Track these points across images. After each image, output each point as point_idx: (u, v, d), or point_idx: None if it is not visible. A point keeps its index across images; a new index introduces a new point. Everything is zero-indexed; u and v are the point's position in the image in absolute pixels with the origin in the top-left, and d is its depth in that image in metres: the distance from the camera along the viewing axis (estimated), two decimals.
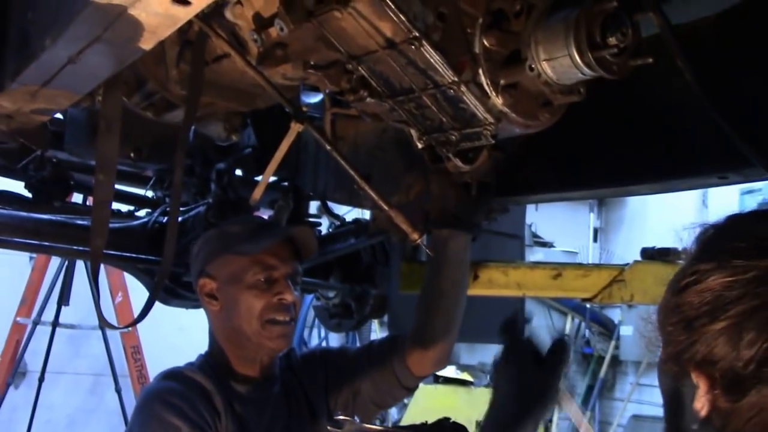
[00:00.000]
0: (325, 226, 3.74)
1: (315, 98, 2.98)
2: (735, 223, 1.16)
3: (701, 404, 1.06)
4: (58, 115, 2.99)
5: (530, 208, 8.11)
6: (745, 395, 1.01)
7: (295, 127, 1.66)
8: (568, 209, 8.81)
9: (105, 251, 1.88)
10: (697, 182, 1.63)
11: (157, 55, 2.14)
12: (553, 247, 8.81)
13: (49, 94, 1.44)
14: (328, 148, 1.73)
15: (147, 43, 1.12)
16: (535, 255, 8.24)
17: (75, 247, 2.69)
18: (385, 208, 1.68)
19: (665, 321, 1.12)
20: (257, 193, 1.74)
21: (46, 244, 2.72)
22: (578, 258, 8.97)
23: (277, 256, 2.19)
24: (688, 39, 1.65)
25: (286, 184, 3.18)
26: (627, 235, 8.67)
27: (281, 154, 1.65)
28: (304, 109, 1.75)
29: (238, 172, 3.50)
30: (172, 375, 2.19)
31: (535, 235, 8.49)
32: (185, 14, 1.01)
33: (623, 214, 8.85)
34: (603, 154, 1.82)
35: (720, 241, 1.12)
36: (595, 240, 9.22)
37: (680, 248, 2.28)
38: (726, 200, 6.62)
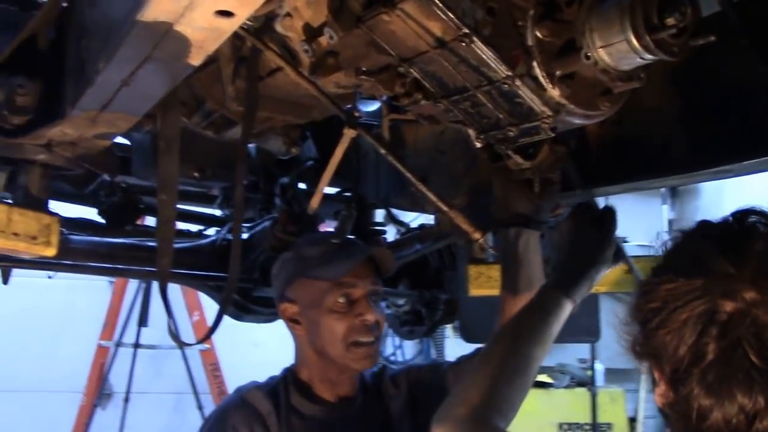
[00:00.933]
0: (390, 233, 3.73)
1: (373, 106, 2.98)
2: (687, 238, 1.37)
3: (657, 394, 1.28)
4: (125, 141, 3.08)
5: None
6: (678, 390, 1.21)
7: (348, 133, 1.65)
8: (640, 202, 8.55)
9: (174, 270, 1.92)
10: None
11: (213, 73, 2.18)
12: (626, 242, 8.59)
13: (108, 117, 1.47)
14: (383, 152, 1.71)
15: (196, 59, 1.13)
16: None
17: (147, 269, 2.75)
18: (445, 209, 1.65)
19: (631, 319, 1.34)
20: (314, 202, 1.74)
21: (120, 267, 2.80)
22: (653, 252, 8.73)
23: (356, 275, 2.18)
24: (752, 13, 1.58)
25: (348, 193, 3.18)
26: None
27: (336, 162, 1.65)
28: (357, 114, 1.73)
29: (302, 185, 3.52)
30: (232, 397, 2.24)
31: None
32: (230, 26, 1.01)
33: (698, 204, 8.56)
34: (672, 140, 1.75)
35: (670, 256, 1.37)
36: (669, 232, 8.96)
37: None
38: None
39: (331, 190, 3.73)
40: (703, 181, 1.73)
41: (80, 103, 1.42)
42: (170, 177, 1.66)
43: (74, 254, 2.74)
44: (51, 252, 1.74)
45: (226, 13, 0.97)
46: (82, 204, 3.23)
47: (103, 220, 3.17)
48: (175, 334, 1.85)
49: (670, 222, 9.06)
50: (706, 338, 1.19)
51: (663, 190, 8.47)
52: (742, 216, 1.34)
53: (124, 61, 1.16)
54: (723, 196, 7.90)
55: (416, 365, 2.50)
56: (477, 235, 1.64)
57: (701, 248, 1.28)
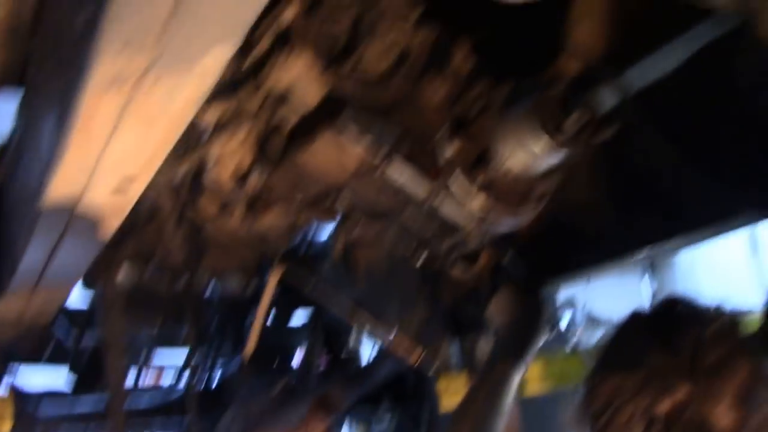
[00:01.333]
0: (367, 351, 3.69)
1: (325, 233, 3.02)
2: (622, 332, 1.40)
3: None
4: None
5: (581, 287, 7.94)
6: None
7: (275, 274, 1.67)
8: (618, 279, 8.59)
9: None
10: (698, 237, 1.58)
11: (159, 227, 2.21)
12: (611, 320, 8.52)
13: (44, 293, 1.48)
14: (310, 286, 1.72)
15: (108, 230, 1.15)
16: (596, 335, 7.97)
17: None
18: (381, 332, 1.65)
19: (579, 419, 1.33)
20: (249, 350, 1.73)
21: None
22: None
23: (307, 420, 2.18)
24: (653, 99, 1.65)
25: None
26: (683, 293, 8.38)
27: (266, 303, 1.66)
28: (279, 254, 1.76)
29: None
30: None
31: (590, 315, 8.24)
32: (132, 197, 1.04)
33: (676, 273, 8.61)
34: (603, 230, 1.79)
35: (610, 352, 1.38)
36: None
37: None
38: None
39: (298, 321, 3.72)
40: (641, 263, 1.75)
41: (13, 282, 1.43)
42: (116, 339, 1.66)
43: (44, 427, 2.68)
44: (5, 428, 1.70)
45: (125, 186, 0.99)
46: (52, 365, 3.18)
47: (73, 380, 3.11)
48: None
49: (654, 294, 9.05)
50: None
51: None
52: (670, 303, 1.36)
53: (41, 242, 1.18)
54: (698, 263, 7.97)
55: None
56: (415, 356, 1.63)
57: (635, 341, 1.31)
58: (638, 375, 1.23)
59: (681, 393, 1.20)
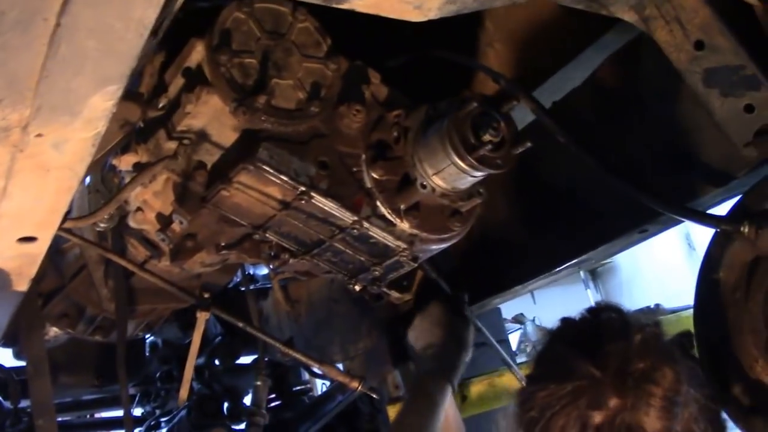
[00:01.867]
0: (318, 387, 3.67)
1: (266, 270, 2.99)
2: (552, 341, 1.43)
3: None
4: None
5: (528, 302, 8.03)
6: None
7: (202, 317, 1.64)
8: (564, 290, 8.71)
9: None
10: (621, 242, 1.61)
11: (87, 279, 2.16)
12: None
13: None
14: (240, 325, 1.70)
15: (20, 285, 1.12)
16: None
17: None
18: (315, 366, 1.63)
19: (517, 422, 1.34)
20: (183, 394, 1.69)
21: None
22: None
23: None
24: (567, 112, 1.69)
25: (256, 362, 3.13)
26: (629, 300, 8.56)
27: (196, 348, 1.63)
28: (207, 296, 1.73)
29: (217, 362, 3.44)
30: None
31: (540, 328, 8.28)
32: (39, 249, 1.01)
33: (619, 280, 8.77)
34: (531, 244, 1.82)
35: (540, 362, 1.41)
36: None
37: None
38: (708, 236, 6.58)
39: (248, 360, 3.66)
40: (571, 274, 1.79)
41: None
42: (45, 401, 1.60)
43: None
44: None
45: (28, 239, 0.97)
46: None
47: None
48: None
49: (599, 300, 9.20)
50: None
51: (582, 273, 8.66)
52: (596, 312, 1.39)
53: None
54: (639, 269, 8.13)
55: None
56: (354, 384, 1.62)
57: (565, 352, 1.32)
58: (568, 385, 1.25)
59: (610, 405, 1.22)
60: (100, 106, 0.73)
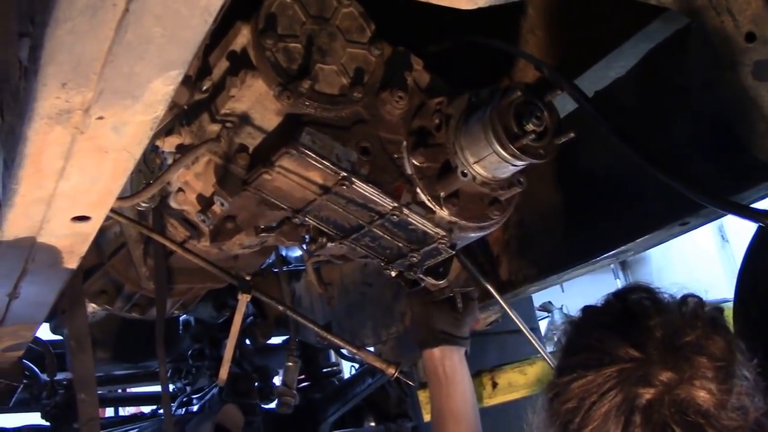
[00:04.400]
0: (347, 370, 3.70)
1: (299, 252, 3.01)
2: (579, 330, 1.38)
3: None
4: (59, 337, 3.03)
5: (556, 290, 8.00)
6: None
7: (243, 298, 1.66)
8: (594, 280, 8.67)
9: None
10: (662, 234, 1.60)
11: (126, 257, 2.19)
12: None
13: (9, 331, 1.46)
14: (281, 308, 1.71)
15: (71, 263, 1.14)
16: None
17: None
18: (353, 351, 1.64)
19: (548, 426, 1.29)
20: (223, 374, 1.72)
21: None
22: None
23: None
24: (610, 102, 1.67)
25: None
26: None
27: (237, 327, 1.65)
28: (248, 278, 1.75)
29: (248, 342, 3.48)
30: None
31: (567, 316, 8.23)
32: (91, 228, 1.03)
33: (649, 270, 8.69)
34: (569, 233, 1.81)
35: (569, 352, 1.34)
36: None
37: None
38: (744, 229, 6.51)
39: (279, 340, 3.71)
40: (608, 264, 1.79)
41: None
42: (86, 375, 1.64)
43: None
44: None
45: (82, 218, 0.99)
46: (25, 411, 3.14)
47: (48, 423, 3.08)
48: None
49: None
50: (632, 427, 1.18)
51: (612, 265, 8.61)
52: (624, 295, 1.35)
53: (2, 278, 1.17)
54: (670, 259, 8.05)
55: None
56: (391, 371, 1.63)
57: (598, 337, 1.28)
58: (608, 370, 1.21)
59: (661, 383, 1.18)
60: (161, 90, 0.74)
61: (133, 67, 0.70)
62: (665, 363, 1.19)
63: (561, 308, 7.89)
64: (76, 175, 0.87)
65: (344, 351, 3.45)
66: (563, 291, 7.96)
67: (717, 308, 1.32)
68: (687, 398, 1.17)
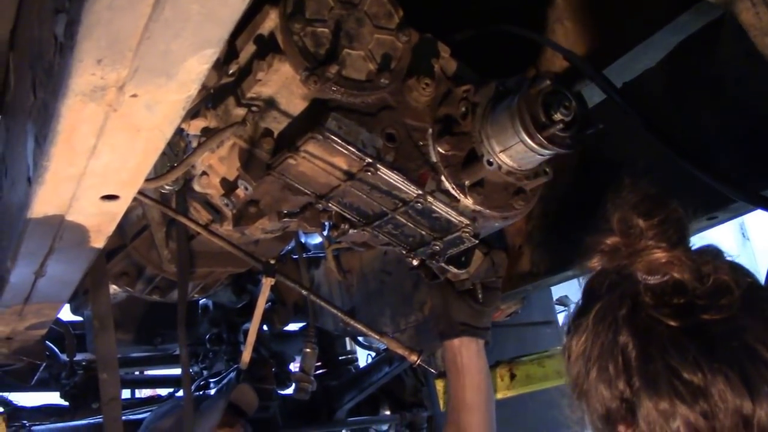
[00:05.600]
0: (362, 358, 3.70)
1: (318, 239, 3.01)
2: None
3: None
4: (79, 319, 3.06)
5: (573, 285, 7.94)
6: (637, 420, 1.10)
7: (267, 282, 1.66)
8: None
9: None
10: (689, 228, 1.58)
11: (148, 239, 2.20)
12: None
13: (34, 309, 1.47)
14: (304, 292, 1.71)
15: (98, 242, 1.15)
16: None
17: None
18: (376, 337, 1.64)
19: (571, 395, 1.25)
20: (246, 358, 1.72)
21: None
22: None
23: (223, 425, 2.17)
24: (639, 93, 1.65)
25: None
26: None
27: (260, 312, 1.65)
28: (273, 262, 1.75)
29: (265, 327, 3.49)
30: None
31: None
32: (119, 208, 1.03)
33: None
34: (591, 227, 1.79)
35: (576, 317, 1.29)
36: None
37: None
38: (765, 227, 6.46)
39: (297, 327, 3.72)
40: None
41: (2, 300, 1.42)
42: (109, 355, 1.65)
43: None
44: None
45: (111, 197, 0.99)
46: (44, 390, 3.17)
47: (67, 403, 3.11)
48: None
49: None
50: (620, 335, 1.13)
51: None
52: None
53: (29, 256, 1.17)
54: None
55: None
56: (413, 358, 1.63)
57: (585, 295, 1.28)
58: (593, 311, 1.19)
59: (603, 248, 1.19)
60: (196, 69, 0.74)
61: (169, 44, 0.69)
62: (610, 233, 1.17)
63: (577, 302, 7.85)
64: (108, 154, 0.87)
65: (361, 339, 3.47)
66: (580, 285, 7.92)
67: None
68: (647, 264, 1.12)
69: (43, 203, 0.98)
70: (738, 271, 1.16)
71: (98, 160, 0.88)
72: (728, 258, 1.19)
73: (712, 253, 1.17)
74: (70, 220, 1.03)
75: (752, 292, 1.13)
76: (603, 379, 1.14)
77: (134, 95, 0.76)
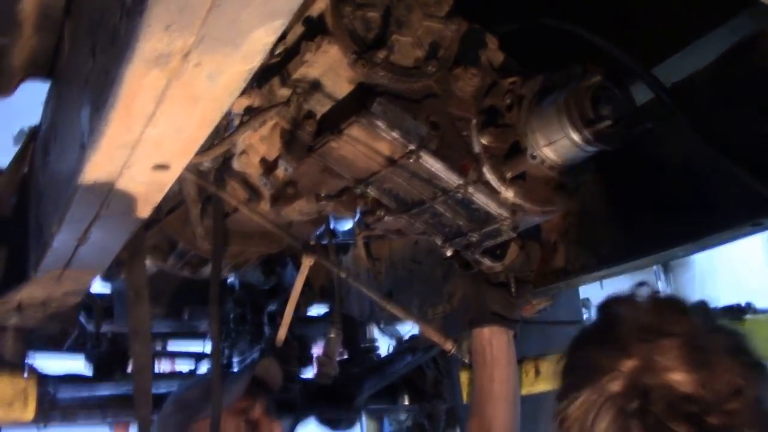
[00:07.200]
0: (385, 347, 3.70)
1: (347, 225, 3.02)
2: (572, 349, 1.36)
3: None
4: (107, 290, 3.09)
5: (596, 288, 7.87)
6: None
7: (307, 262, 1.66)
8: (634, 280, 8.55)
9: None
10: (731, 234, 1.56)
11: (183, 215, 2.22)
12: None
13: (72, 275, 1.49)
14: (342, 275, 1.72)
15: (144, 212, 1.15)
16: None
17: None
18: (414, 321, 1.64)
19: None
20: (281, 334, 1.73)
21: (110, 420, 2.76)
22: None
23: (246, 397, 2.17)
24: (687, 94, 1.63)
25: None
26: (701, 296, 8.27)
27: (297, 291, 1.66)
28: (312, 243, 1.75)
29: None
30: None
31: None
32: (169, 178, 1.04)
33: (692, 274, 8.52)
34: (633, 225, 1.77)
35: (565, 375, 1.33)
36: None
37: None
38: None
39: (320, 311, 3.73)
40: (668, 260, 1.75)
41: (42, 264, 1.43)
42: (142, 326, 1.66)
43: (63, 411, 2.70)
44: (29, 416, 1.72)
45: (162, 167, 1.00)
46: (71, 356, 3.21)
47: (91, 371, 3.14)
48: None
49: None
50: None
51: (654, 266, 8.47)
52: (602, 307, 1.36)
53: (75, 222, 1.18)
54: (715, 264, 7.89)
55: None
56: (448, 345, 1.62)
57: (583, 355, 1.29)
58: (597, 385, 1.21)
59: (622, 370, 1.18)
60: (262, 40, 0.74)
61: (239, 13, 0.69)
62: (627, 352, 1.18)
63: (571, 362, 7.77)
64: (164, 122, 0.88)
65: (384, 328, 3.47)
66: (602, 288, 7.86)
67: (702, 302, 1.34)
68: (661, 384, 1.15)
69: (95, 170, 0.99)
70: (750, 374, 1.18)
71: (154, 129, 0.89)
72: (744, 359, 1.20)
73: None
74: (119, 188, 1.04)
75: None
76: None
77: (198, 64, 0.76)
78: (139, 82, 0.79)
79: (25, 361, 1.99)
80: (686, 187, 1.64)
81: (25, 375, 1.80)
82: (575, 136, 1.42)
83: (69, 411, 2.70)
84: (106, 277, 2.59)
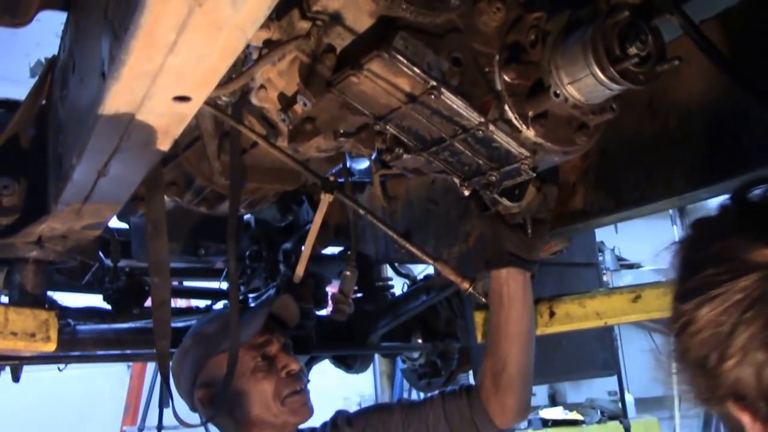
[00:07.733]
0: (398, 287, 3.73)
1: (363, 164, 3.00)
2: (698, 243, 1.10)
3: None
4: (125, 225, 3.11)
5: (611, 232, 7.89)
6: None
7: (326, 198, 1.66)
8: (650, 226, 8.51)
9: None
10: (755, 177, 1.53)
11: (200, 150, 2.21)
12: (641, 267, 8.50)
13: (92, 208, 1.49)
14: (362, 212, 1.71)
15: (164, 144, 1.15)
16: (624, 279, 7.96)
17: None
18: (430, 261, 1.64)
19: (680, 366, 1.06)
20: (299, 271, 1.73)
21: (129, 352, 2.80)
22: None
23: (265, 332, 2.18)
24: (717, 33, 1.59)
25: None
26: None
27: (316, 227, 1.65)
28: (332, 179, 1.74)
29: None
30: None
31: (620, 259, 8.22)
32: (190, 110, 1.03)
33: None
34: (653, 167, 1.75)
35: (690, 272, 1.05)
36: None
37: None
38: None
39: (335, 250, 3.74)
40: (690, 203, 1.73)
41: (62, 197, 1.44)
42: (161, 260, 1.67)
43: (82, 344, 2.75)
44: (51, 347, 1.74)
45: (183, 98, 0.98)
46: (88, 292, 3.24)
47: (109, 306, 3.18)
48: (178, 417, 1.84)
49: None
50: None
51: (671, 210, 8.42)
52: (742, 194, 1.10)
53: (95, 154, 1.18)
54: None
55: (383, 404, 2.41)
56: (465, 285, 1.63)
57: (724, 246, 1.01)
58: (744, 283, 0.96)
59: None
60: None
61: None
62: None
63: (613, 249, 7.81)
64: (186, 51, 0.86)
65: (398, 267, 3.49)
66: (617, 232, 7.86)
67: None
68: None
69: (116, 99, 0.98)
70: None
71: (176, 58, 0.87)
72: None
73: None
74: (139, 119, 1.03)
75: None
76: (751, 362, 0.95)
77: None
78: (162, 9, 0.78)
79: (46, 293, 2.02)
80: (711, 129, 1.61)
81: (46, 306, 1.82)
82: (601, 74, 1.39)
83: (89, 343, 2.74)
84: (123, 213, 2.60)
